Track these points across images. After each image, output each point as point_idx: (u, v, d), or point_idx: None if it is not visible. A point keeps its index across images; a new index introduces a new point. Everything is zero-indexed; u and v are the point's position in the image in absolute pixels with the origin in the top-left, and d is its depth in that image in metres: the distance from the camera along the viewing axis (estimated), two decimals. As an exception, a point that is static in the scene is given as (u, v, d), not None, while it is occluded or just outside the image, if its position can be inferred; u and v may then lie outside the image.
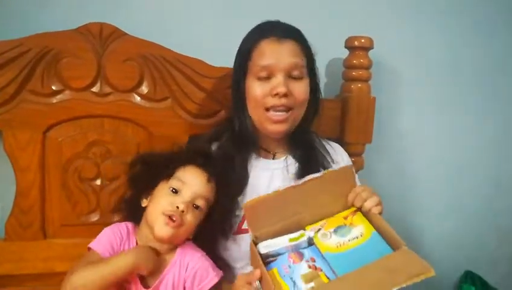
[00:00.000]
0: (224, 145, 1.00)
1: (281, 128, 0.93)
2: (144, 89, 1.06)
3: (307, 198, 0.81)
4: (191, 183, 0.85)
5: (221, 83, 1.10)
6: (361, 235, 0.74)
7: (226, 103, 1.11)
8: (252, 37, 0.95)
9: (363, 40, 1.18)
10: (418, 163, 1.48)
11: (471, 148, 1.53)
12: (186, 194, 0.84)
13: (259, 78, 0.91)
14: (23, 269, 1.02)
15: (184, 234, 0.86)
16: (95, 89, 1.03)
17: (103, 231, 0.88)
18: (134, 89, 1.05)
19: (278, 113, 0.91)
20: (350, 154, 1.11)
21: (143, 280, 0.83)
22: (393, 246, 0.72)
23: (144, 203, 0.88)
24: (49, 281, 1.02)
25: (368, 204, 0.79)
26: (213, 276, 0.86)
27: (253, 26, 0.97)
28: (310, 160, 0.99)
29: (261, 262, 0.73)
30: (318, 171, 0.94)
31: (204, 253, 0.89)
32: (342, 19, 1.31)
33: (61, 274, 1.03)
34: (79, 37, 1.00)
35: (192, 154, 0.90)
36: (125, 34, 1.04)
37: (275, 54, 0.90)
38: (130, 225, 0.91)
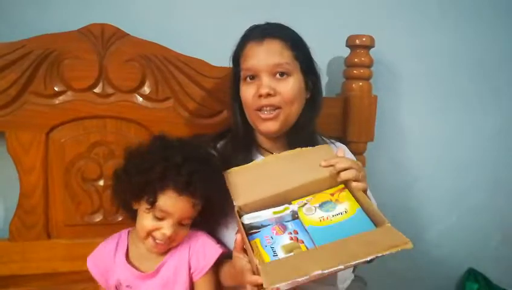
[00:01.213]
0: (228, 143, 1.00)
1: (272, 126, 0.93)
2: (146, 89, 1.06)
3: (291, 170, 0.82)
4: (175, 212, 0.80)
5: (223, 82, 1.10)
6: (345, 212, 0.75)
7: (228, 103, 1.11)
8: (239, 42, 0.97)
9: (364, 39, 1.18)
10: (419, 161, 1.48)
11: (473, 145, 1.53)
12: (170, 223, 0.81)
13: (246, 81, 0.93)
14: (27, 269, 1.03)
15: (177, 243, 0.87)
16: (97, 89, 1.03)
17: (93, 253, 0.91)
18: (137, 89, 1.06)
19: (266, 112, 0.92)
20: (352, 153, 1.11)
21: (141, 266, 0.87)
22: (377, 224, 0.72)
23: (135, 206, 0.86)
24: (53, 281, 1.03)
25: (345, 175, 0.80)
26: (217, 247, 0.88)
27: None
28: None
29: (242, 231, 0.74)
30: None
31: (205, 232, 0.91)
32: (343, 17, 1.31)
33: (65, 274, 1.05)
34: (81, 38, 1.00)
35: (171, 176, 0.78)
36: (127, 34, 1.04)
37: (256, 56, 0.91)
38: (124, 232, 0.93)
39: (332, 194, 0.79)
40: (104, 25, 1.02)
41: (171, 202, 0.79)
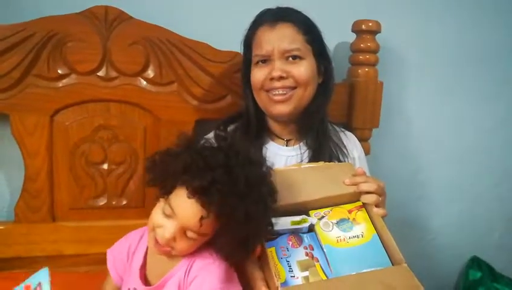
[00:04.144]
0: (238, 129, 1.00)
1: (284, 109, 0.93)
2: (150, 73, 1.05)
3: (313, 181, 0.82)
4: (180, 216, 0.67)
5: (228, 67, 1.09)
6: (362, 235, 0.77)
7: (232, 88, 1.11)
8: (250, 27, 0.98)
9: (370, 24, 1.16)
10: (424, 148, 1.47)
11: (478, 133, 1.51)
12: (173, 225, 0.68)
13: (258, 64, 0.94)
14: (32, 252, 1.04)
15: (180, 254, 0.73)
16: (101, 73, 1.03)
17: (115, 246, 0.83)
18: (140, 73, 1.05)
19: (279, 93, 0.91)
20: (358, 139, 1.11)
21: (146, 278, 0.78)
22: (391, 257, 0.75)
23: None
24: (58, 263, 1.04)
25: (366, 199, 0.80)
26: (217, 288, 0.69)
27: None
28: (322, 147, 0.99)
29: (264, 242, 0.74)
30: (330, 159, 0.97)
31: (220, 260, 0.72)
32: (348, 2, 1.29)
33: (70, 257, 1.06)
34: (84, 21, 0.99)
35: (191, 174, 0.66)
36: (131, 17, 1.03)
37: (268, 40, 0.91)
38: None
39: (350, 211, 0.80)
40: (107, 7, 1.01)
41: (179, 200, 0.68)
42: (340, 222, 0.78)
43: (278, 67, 0.90)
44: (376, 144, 1.25)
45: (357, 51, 1.20)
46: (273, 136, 1.02)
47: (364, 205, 0.82)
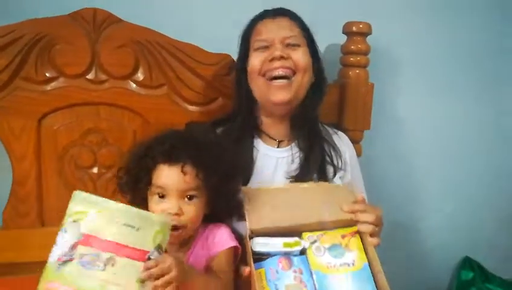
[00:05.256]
0: (228, 130, 1.00)
1: (284, 96, 0.93)
2: (140, 75, 1.05)
3: (309, 203, 0.82)
4: (169, 185, 0.78)
5: (218, 69, 1.09)
6: (352, 264, 0.76)
7: (223, 90, 1.10)
8: (250, 23, 0.99)
9: (361, 26, 1.16)
10: (416, 149, 1.47)
11: (470, 134, 1.52)
12: (172, 197, 0.79)
13: (258, 50, 0.95)
14: (22, 257, 1.02)
15: (191, 223, 0.82)
16: (90, 76, 1.02)
17: None
18: (130, 76, 1.04)
19: (279, 80, 0.92)
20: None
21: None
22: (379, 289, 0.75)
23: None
24: (47, 269, 1.02)
25: (362, 228, 0.80)
26: (228, 240, 0.85)
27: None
28: (314, 148, 0.99)
29: (251, 261, 0.74)
30: (323, 160, 0.98)
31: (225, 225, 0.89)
32: (339, 4, 1.29)
33: (59, 262, 1.04)
34: (72, 23, 0.99)
35: (156, 151, 0.80)
36: (120, 20, 1.02)
37: (269, 29, 0.95)
38: None
39: (343, 237, 0.79)
40: (95, 9, 1.00)
41: (162, 174, 0.79)
42: (332, 248, 0.77)
43: (280, 48, 0.92)
44: (368, 145, 1.25)
45: (348, 53, 1.20)
46: (264, 136, 1.02)
47: (358, 232, 0.81)
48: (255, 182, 0.95)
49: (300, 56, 0.94)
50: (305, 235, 0.79)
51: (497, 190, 1.59)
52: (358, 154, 1.21)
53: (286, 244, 0.77)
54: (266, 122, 1.01)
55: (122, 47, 1.02)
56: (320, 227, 0.80)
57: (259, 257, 0.76)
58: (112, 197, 1.04)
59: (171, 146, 0.79)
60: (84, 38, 0.99)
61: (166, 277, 0.64)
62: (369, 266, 0.76)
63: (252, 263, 0.73)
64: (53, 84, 1.00)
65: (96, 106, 1.04)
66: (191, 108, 1.09)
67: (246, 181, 0.94)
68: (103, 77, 1.02)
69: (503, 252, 1.64)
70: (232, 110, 1.04)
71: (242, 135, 0.98)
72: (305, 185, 0.88)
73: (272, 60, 0.91)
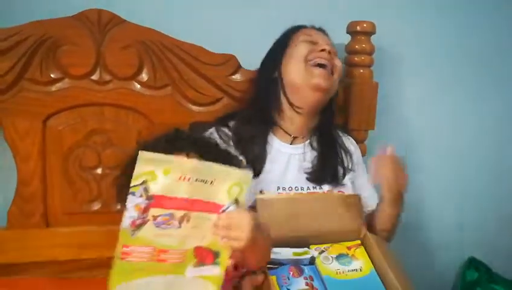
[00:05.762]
0: (242, 122, 1.01)
1: (323, 82, 0.97)
2: (144, 76, 1.05)
3: (320, 216, 0.85)
4: None
5: (223, 70, 1.09)
6: (360, 270, 0.81)
7: (227, 90, 1.10)
8: (290, 29, 1.06)
9: (365, 25, 1.16)
10: (419, 149, 1.47)
11: (473, 133, 1.52)
12: None
13: (304, 42, 1.00)
14: (27, 258, 1.02)
15: None
16: (94, 76, 1.02)
17: None
18: (134, 76, 1.04)
19: (323, 68, 0.97)
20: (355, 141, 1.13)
21: None
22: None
23: None
24: (52, 269, 1.02)
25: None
26: None
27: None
28: (327, 149, 1.02)
29: (267, 271, 0.76)
30: (335, 162, 1.01)
31: None
32: (343, 3, 1.29)
33: (65, 262, 1.05)
34: (77, 24, 0.99)
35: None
36: (124, 21, 1.02)
37: (317, 35, 1.03)
38: None
39: (349, 248, 0.85)
40: (100, 10, 1.00)
41: None
42: (339, 257, 0.83)
43: (327, 47, 0.99)
44: (372, 144, 1.25)
45: (352, 53, 1.20)
46: (279, 131, 1.03)
47: (362, 243, 0.86)
48: (265, 177, 0.96)
49: (339, 63, 1.03)
50: (313, 247, 0.84)
51: (504, 189, 1.58)
52: (363, 153, 1.20)
53: (296, 254, 0.80)
54: (287, 114, 1.02)
55: (127, 48, 1.02)
56: (328, 238, 0.84)
57: (270, 266, 0.78)
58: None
59: (174, 146, 0.78)
60: (89, 39, 0.99)
61: (238, 233, 0.61)
62: (377, 272, 0.81)
63: (266, 270, 0.75)
64: (58, 85, 1.00)
65: (101, 107, 1.04)
66: (195, 108, 1.09)
67: (257, 175, 0.95)
68: (108, 77, 1.03)
69: (508, 252, 1.63)
70: (248, 104, 1.06)
71: (257, 127, 1.00)
72: (316, 194, 0.93)
73: (322, 50, 0.97)
